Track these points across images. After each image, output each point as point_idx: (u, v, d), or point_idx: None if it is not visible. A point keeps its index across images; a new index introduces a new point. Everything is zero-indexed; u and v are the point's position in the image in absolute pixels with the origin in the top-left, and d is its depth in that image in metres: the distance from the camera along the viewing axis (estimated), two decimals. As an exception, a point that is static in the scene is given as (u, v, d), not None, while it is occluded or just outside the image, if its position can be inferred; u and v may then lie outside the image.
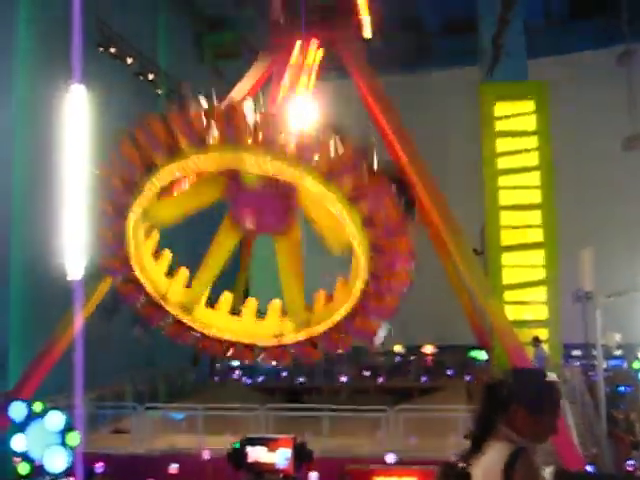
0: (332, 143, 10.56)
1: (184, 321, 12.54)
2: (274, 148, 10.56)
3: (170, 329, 12.78)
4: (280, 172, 10.73)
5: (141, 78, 22.68)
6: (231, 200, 12.47)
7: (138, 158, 11.31)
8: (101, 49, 20.35)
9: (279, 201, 12.17)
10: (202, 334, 12.69)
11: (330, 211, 11.42)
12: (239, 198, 12.26)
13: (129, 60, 21.66)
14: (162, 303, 12.40)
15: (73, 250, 14.43)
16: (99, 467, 12.25)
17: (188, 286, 12.83)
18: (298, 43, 18.80)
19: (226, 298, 13.21)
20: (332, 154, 10.59)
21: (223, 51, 28.64)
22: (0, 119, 16.56)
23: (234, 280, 24.43)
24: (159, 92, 23.86)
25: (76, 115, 15.12)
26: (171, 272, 12.94)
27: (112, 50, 20.73)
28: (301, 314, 12.49)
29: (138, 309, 12.60)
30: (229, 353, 13.05)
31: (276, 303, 13.01)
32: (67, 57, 12.79)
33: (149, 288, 12.33)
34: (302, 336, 12.33)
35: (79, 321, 13.83)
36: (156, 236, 12.89)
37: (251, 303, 13.29)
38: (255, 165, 10.76)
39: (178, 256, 13.43)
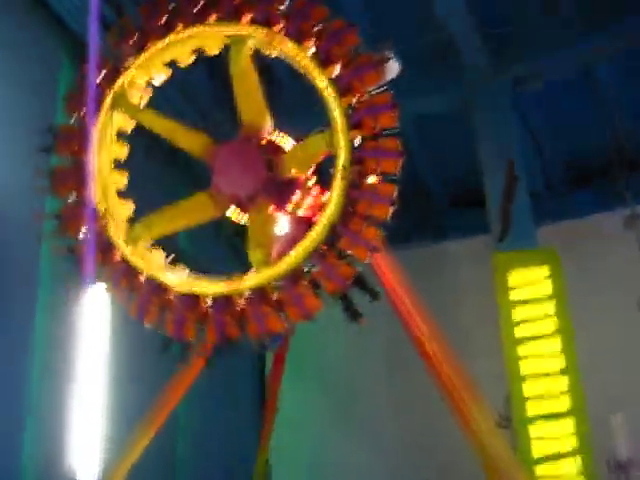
0: None
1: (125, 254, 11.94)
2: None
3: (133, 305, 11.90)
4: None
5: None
6: (211, 163, 12.10)
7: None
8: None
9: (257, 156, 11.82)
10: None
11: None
12: (218, 157, 11.94)
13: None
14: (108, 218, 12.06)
15: (85, 453, 14.21)
16: None
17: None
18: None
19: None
20: None
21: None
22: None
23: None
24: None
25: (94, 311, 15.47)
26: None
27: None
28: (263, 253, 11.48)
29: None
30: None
31: None
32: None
33: (111, 231, 12.08)
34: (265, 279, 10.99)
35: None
36: (125, 175, 12.95)
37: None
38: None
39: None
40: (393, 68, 11.15)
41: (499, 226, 21.83)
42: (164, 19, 12.06)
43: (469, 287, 28.68)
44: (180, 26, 12.04)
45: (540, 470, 19.49)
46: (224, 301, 11.18)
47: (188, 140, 12.56)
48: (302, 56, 11.21)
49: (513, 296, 21.19)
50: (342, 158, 10.79)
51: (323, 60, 11.12)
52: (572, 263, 24.66)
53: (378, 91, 11.15)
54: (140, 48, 12.24)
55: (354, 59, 11.07)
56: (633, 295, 22.62)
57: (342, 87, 11.02)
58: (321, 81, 11.11)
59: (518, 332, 20.79)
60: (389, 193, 10.88)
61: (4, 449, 15.95)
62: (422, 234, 29.88)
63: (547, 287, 21.30)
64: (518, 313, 20.96)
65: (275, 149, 12.16)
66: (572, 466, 19.67)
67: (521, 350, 20.62)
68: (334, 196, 10.79)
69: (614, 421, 19.09)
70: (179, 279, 11.81)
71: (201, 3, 11.94)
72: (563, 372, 20.40)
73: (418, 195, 30.21)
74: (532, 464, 19.41)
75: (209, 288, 11.42)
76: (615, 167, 23.35)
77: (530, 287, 21.29)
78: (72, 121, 12.91)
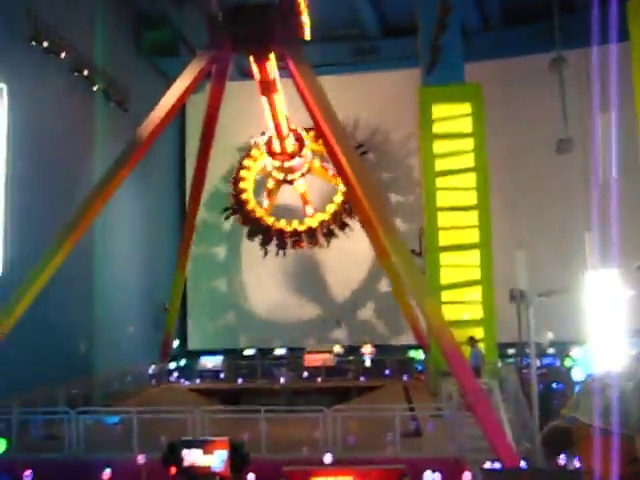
0: None
1: None
2: None
3: None
4: None
5: (76, 74, 22.11)
6: None
7: None
8: (33, 43, 19.71)
9: None
10: None
11: None
12: None
13: (63, 55, 21.06)
14: None
15: None
16: (27, 475, 11.85)
17: None
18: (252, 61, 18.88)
19: None
20: None
21: (161, 48, 28.20)
22: None
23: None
24: (94, 88, 23.31)
25: None
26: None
27: (45, 44, 20.10)
28: None
29: None
30: None
31: None
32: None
33: None
34: None
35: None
36: None
37: None
38: None
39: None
40: None
41: (428, 58, 21.40)
42: None
43: (396, 119, 28.73)
44: None
45: (446, 296, 20.63)
46: None
47: None
48: None
49: (435, 129, 21.32)
50: None
51: None
52: (496, 101, 24.85)
53: None
54: None
55: None
56: (551, 138, 23.10)
57: None
58: None
59: (437, 165, 21.15)
60: None
61: None
62: (355, 63, 29.31)
63: (468, 123, 21.49)
64: (438, 146, 21.21)
65: None
66: (475, 293, 20.92)
67: (438, 182, 21.08)
68: None
69: (517, 255, 20.12)
70: None
71: None
72: (475, 207, 21.13)
73: (353, 25, 29.29)
74: (439, 290, 20.49)
75: None
76: (553, 6, 22.86)
77: (452, 122, 21.42)
78: None
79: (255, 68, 18.78)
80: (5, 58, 17.87)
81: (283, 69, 19.56)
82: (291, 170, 25.22)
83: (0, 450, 8.71)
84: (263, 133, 24.48)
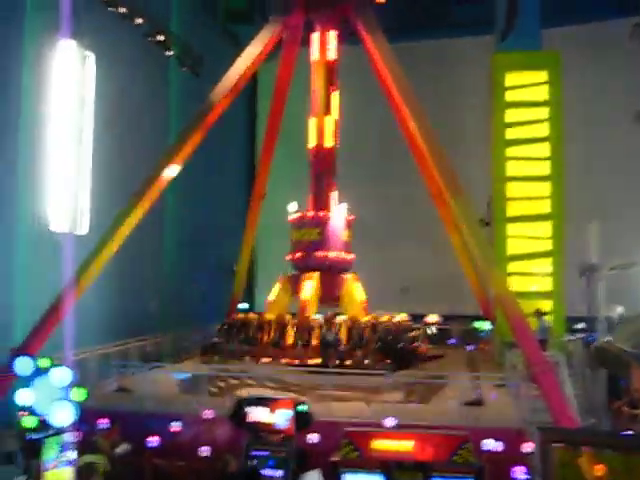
0: None
1: None
2: None
3: None
4: None
5: (150, 39, 22.54)
6: None
7: None
8: (110, 8, 20.17)
9: None
10: None
11: None
12: None
13: (139, 20, 21.47)
14: None
15: (64, 201, 14.60)
16: (103, 423, 12.48)
17: None
18: (316, 37, 18.74)
19: None
20: None
21: (236, 16, 28.46)
22: (11, 76, 16.57)
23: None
24: (169, 54, 23.72)
25: (67, 71, 15.28)
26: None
27: (121, 10, 20.54)
28: None
29: None
30: None
31: None
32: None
33: None
34: None
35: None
36: None
37: None
38: None
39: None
40: None
41: (503, 23, 20.86)
42: None
43: (469, 87, 28.20)
44: None
45: (513, 267, 20.37)
46: None
47: None
48: None
49: (508, 97, 20.83)
50: None
51: None
52: (575, 68, 24.04)
53: None
54: None
55: None
56: (630, 108, 22.31)
57: None
58: None
59: (508, 134, 20.71)
60: None
61: None
62: (428, 30, 28.83)
63: (544, 92, 20.90)
64: (511, 115, 20.74)
65: None
66: (544, 266, 20.55)
67: (509, 152, 20.66)
68: None
69: (590, 228, 19.66)
70: None
71: None
72: (547, 178, 20.65)
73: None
74: (506, 261, 20.24)
75: None
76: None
77: (526, 90, 20.88)
78: None
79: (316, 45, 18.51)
80: (89, 27, 18.33)
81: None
82: None
83: (81, 399, 9.21)
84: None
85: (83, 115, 17.78)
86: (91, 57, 18.40)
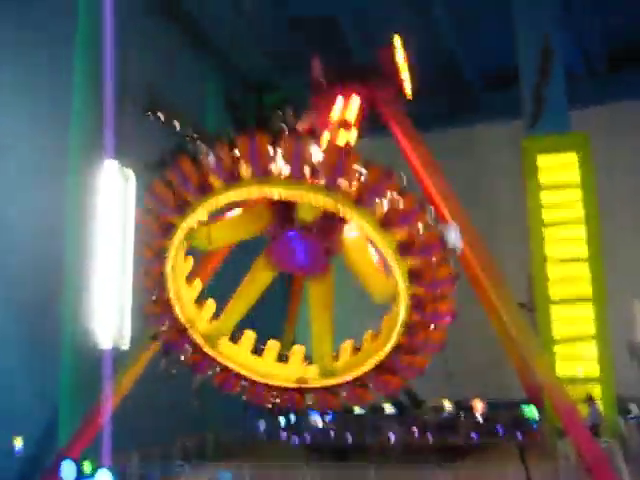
0: (390, 194, 10.77)
1: (207, 352, 12.84)
2: (334, 188, 10.73)
3: (218, 377, 12.99)
4: (335, 209, 10.94)
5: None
6: (271, 236, 12.66)
7: (172, 198, 11.60)
8: (149, 114, 20.97)
9: (318, 245, 12.25)
10: (227, 369, 12.99)
11: (372, 260, 11.50)
12: (279, 236, 12.42)
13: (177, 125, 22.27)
14: (188, 329, 12.71)
15: (108, 319, 14.98)
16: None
17: (215, 318, 13.11)
18: (340, 99, 19.22)
19: (248, 336, 13.51)
20: (389, 205, 10.72)
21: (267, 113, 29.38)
22: (54, 190, 17.25)
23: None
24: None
25: (111, 188, 15.82)
26: (200, 301, 13.23)
27: (160, 116, 21.34)
28: (327, 362, 12.58)
29: (186, 358, 12.82)
30: (277, 400, 13.11)
31: (299, 348, 13.42)
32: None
33: (178, 312, 12.64)
34: (325, 384, 12.60)
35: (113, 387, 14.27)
36: (190, 261, 13.14)
37: (272, 344, 13.62)
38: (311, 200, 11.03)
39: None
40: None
41: (532, 108, 21.15)
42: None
43: (500, 171, 28.43)
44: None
45: (559, 350, 19.81)
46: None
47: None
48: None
49: (541, 179, 20.90)
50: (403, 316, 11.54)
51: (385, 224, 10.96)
52: (604, 149, 24.09)
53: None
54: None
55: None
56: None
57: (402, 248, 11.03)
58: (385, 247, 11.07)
59: (545, 215, 20.64)
60: (438, 340, 12.10)
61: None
62: (456, 117, 29.39)
63: (575, 173, 20.93)
64: (545, 197, 20.74)
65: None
66: (590, 350, 19.94)
67: (546, 233, 20.54)
68: (393, 335, 11.88)
69: (635, 306, 19.21)
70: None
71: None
72: (587, 258, 20.35)
73: (453, 78, 29.45)
74: (552, 345, 19.74)
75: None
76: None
77: (559, 172, 20.95)
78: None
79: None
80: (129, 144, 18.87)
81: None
82: None
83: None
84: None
85: (125, 236, 18.10)
86: (132, 176, 18.78)
